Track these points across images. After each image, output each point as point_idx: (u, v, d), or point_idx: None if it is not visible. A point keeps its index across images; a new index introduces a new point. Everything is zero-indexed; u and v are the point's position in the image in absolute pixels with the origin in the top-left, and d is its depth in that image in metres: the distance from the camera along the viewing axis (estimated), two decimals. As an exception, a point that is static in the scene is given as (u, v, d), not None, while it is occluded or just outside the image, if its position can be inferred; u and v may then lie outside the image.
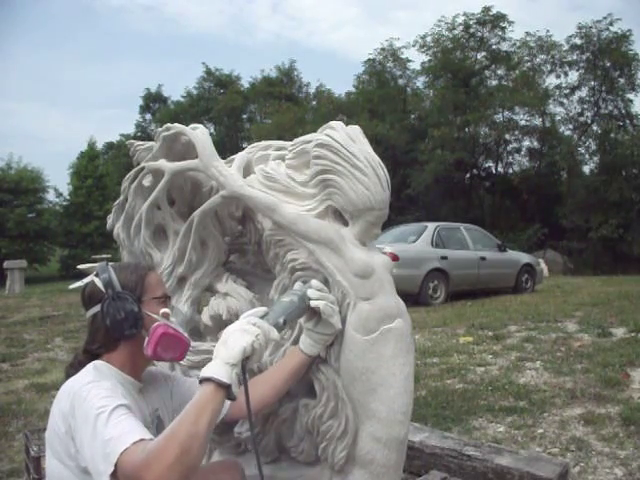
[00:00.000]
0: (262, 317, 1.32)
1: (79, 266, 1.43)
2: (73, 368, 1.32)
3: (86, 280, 1.37)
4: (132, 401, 1.26)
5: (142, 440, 1.07)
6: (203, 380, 1.13)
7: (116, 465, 1.05)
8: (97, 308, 1.32)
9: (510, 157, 23.60)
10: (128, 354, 1.34)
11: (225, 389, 1.11)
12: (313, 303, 1.45)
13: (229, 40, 71.29)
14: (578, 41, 20.76)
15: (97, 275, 1.36)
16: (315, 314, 1.48)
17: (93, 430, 1.10)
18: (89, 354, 1.34)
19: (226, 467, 1.52)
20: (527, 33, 21.63)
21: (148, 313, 1.33)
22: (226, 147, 24.20)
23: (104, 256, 16.39)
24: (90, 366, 1.28)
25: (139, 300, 1.33)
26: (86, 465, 1.14)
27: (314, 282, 1.49)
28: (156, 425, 1.38)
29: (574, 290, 9.68)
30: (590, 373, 4.02)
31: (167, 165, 1.81)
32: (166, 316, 1.35)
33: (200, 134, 1.75)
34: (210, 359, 1.72)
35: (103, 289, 1.32)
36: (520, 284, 9.95)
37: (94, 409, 1.12)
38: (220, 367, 1.13)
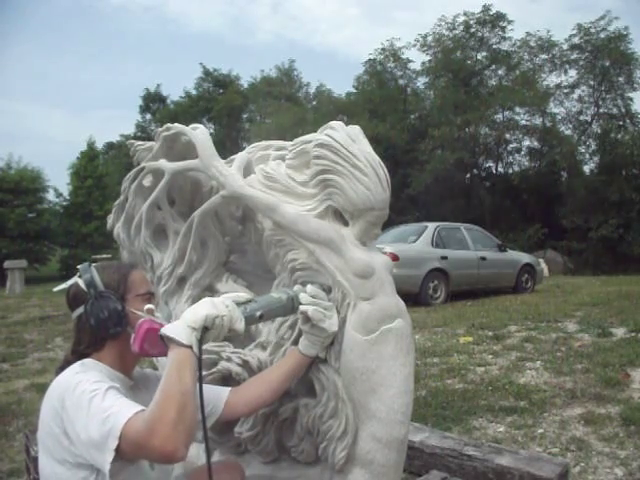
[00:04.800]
0: (242, 303, 1.34)
1: (79, 266, 1.42)
2: (62, 370, 1.32)
3: (70, 282, 1.38)
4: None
5: (142, 411, 1.10)
6: (167, 340, 1.18)
7: (119, 438, 1.07)
8: (82, 309, 1.33)
9: (510, 157, 23.65)
10: (116, 352, 1.35)
11: (190, 348, 1.16)
12: (302, 308, 1.46)
13: (229, 40, 71.27)
14: (577, 40, 20.80)
15: (80, 276, 1.36)
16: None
17: (88, 411, 1.12)
18: (77, 355, 1.34)
19: (226, 467, 1.52)
20: (527, 33, 21.70)
21: (132, 310, 1.34)
22: (226, 147, 24.20)
23: (104, 256, 16.41)
24: (77, 363, 1.29)
25: (123, 298, 1.34)
26: (80, 454, 1.14)
27: (310, 287, 1.50)
28: None
29: (574, 290, 9.68)
30: (590, 373, 4.02)
31: (167, 165, 1.81)
32: (150, 312, 1.35)
33: (200, 134, 1.75)
34: (210, 359, 1.74)
35: (86, 289, 1.33)
36: (520, 284, 9.95)
37: (87, 393, 1.14)
38: (182, 329, 1.18)
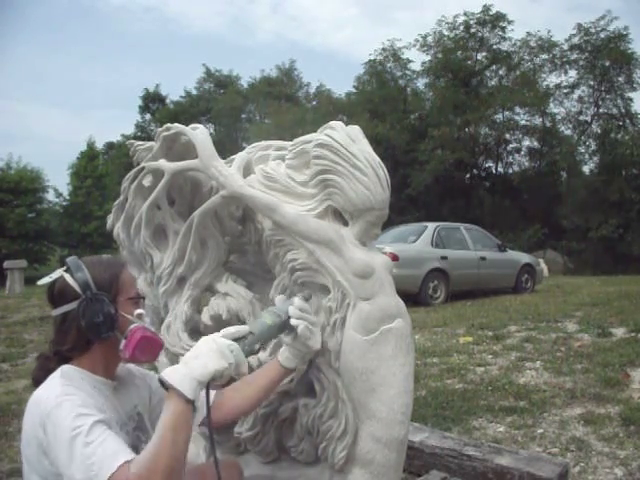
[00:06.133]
0: (241, 338, 1.28)
1: (68, 260, 1.34)
2: (41, 371, 1.26)
3: (55, 275, 1.30)
4: (106, 404, 1.24)
5: (126, 462, 1.05)
6: (166, 386, 1.12)
7: None
8: (69, 307, 1.26)
9: (510, 157, 23.65)
10: (100, 355, 1.29)
11: (192, 403, 1.12)
12: (293, 322, 1.42)
13: (229, 40, 71.32)
14: (577, 40, 20.82)
15: (68, 271, 1.29)
16: (294, 329, 1.44)
17: (70, 452, 1.07)
18: (58, 356, 1.27)
19: (224, 466, 1.50)
20: (528, 33, 21.70)
21: (123, 314, 1.29)
22: (226, 147, 24.18)
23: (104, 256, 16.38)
24: (57, 373, 1.22)
25: (114, 300, 1.29)
26: (62, 475, 1.10)
27: (297, 300, 1.47)
28: (136, 422, 1.36)
29: (574, 290, 9.67)
30: (590, 373, 4.02)
31: (167, 165, 1.82)
32: (140, 317, 1.32)
33: (200, 134, 1.75)
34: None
35: (78, 288, 1.26)
36: (520, 284, 9.95)
37: (69, 430, 1.08)
38: (188, 381, 1.12)
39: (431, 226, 9.44)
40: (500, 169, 23.72)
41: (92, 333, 1.25)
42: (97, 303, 1.25)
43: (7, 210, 20.91)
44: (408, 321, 1.53)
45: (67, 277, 1.28)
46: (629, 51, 19.94)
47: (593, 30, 20.38)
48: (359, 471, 1.50)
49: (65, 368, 1.24)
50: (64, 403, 1.12)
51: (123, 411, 1.33)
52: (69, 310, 1.26)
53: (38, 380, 1.24)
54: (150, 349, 1.28)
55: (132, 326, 1.27)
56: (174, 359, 1.84)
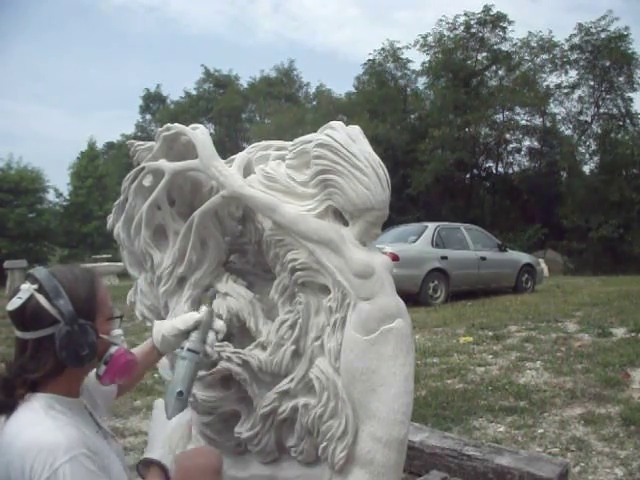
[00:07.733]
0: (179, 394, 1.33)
1: (39, 276, 1.19)
2: (4, 397, 1.14)
3: (25, 296, 1.15)
4: (84, 424, 1.20)
5: None
6: (149, 462, 1.22)
7: None
8: (44, 332, 1.14)
9: (510, 157, 23.65)
10: (75, 377, 1.22)
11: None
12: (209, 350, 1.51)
13: (230, 40, 71.23)
14: (577, 41, 20.83)
15: (40, 290, 1.15)
16: (196, 329, 1.47)
17: None
18: (28, 382, 1.15)
19: (202, 452, 1.48)
20: (529, 32, 21.70)
21: (101, 336, 1.21)
22: (226, 147, 24.21)
23: (104, 256, 16.42)
24: (36, 405, 1.13)
25: (93, 322, 1.19)
26: None
27: (210, 338, 1.50)
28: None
29: (574, 290, 9.67)
30: (590, 373, 4.02)
31: (167, 165, 1.82)
32: (117, 338, 1.27)
33: (200, 134, 1.76)
34: (210, 359, 1.73)
35: (58, 316, 1.14)
36: (520, 284, 9.94)
37: None
38: (166, 455, 1.24)
39: (431, 226, 9.44)
40: (500, 169, 23.73)
41: (74, 363, 1.16)
42: (82, 335, 1.15)
43: (7, 210, 20.93)
44: (408, 321, 1.53)
45: (41, 299, 1.15)
46: (629, 51, 19.96)
47: (594, 30, 20.38)
48: (359, 471, 1.50)
49: (43, 398, 1.15)
50: (77, 460, 1.06)
51: (91, 421, 1.28)
52: (44, 336, 1.14)
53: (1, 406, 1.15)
54: (129, 370, 1.26)
55: (112, 350, 1.22)
56: (174, 359, 1.84)
